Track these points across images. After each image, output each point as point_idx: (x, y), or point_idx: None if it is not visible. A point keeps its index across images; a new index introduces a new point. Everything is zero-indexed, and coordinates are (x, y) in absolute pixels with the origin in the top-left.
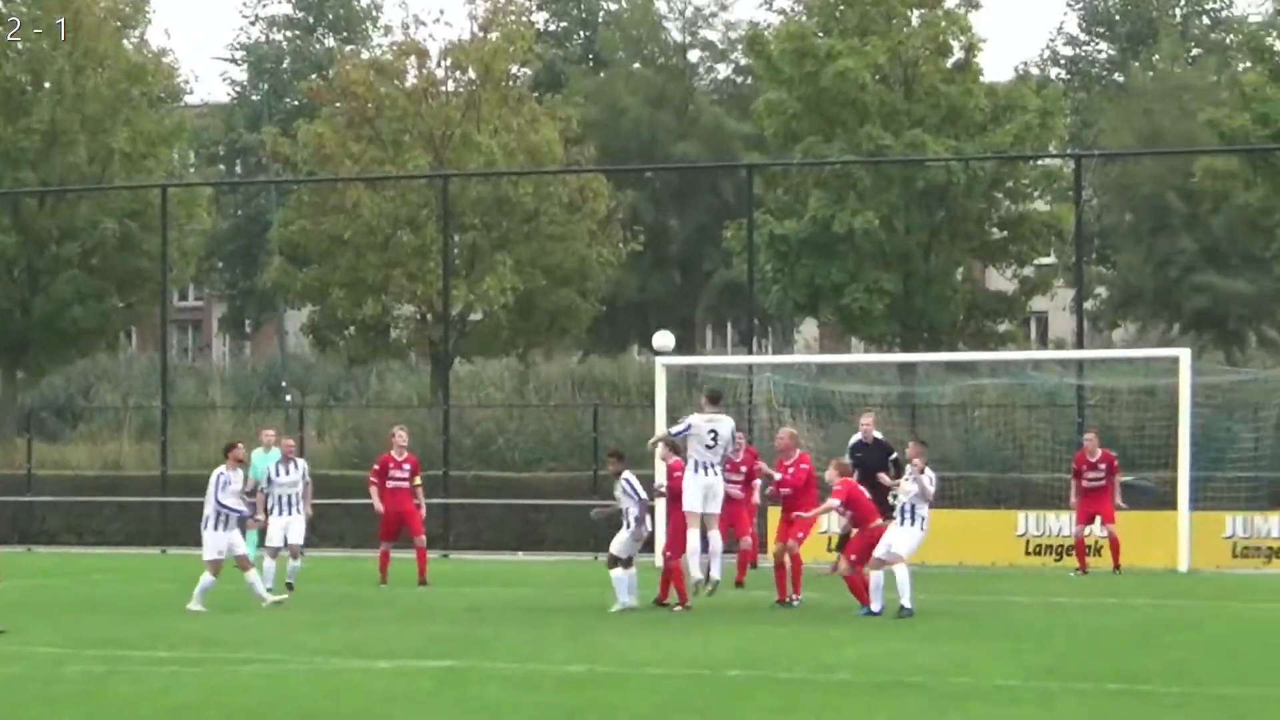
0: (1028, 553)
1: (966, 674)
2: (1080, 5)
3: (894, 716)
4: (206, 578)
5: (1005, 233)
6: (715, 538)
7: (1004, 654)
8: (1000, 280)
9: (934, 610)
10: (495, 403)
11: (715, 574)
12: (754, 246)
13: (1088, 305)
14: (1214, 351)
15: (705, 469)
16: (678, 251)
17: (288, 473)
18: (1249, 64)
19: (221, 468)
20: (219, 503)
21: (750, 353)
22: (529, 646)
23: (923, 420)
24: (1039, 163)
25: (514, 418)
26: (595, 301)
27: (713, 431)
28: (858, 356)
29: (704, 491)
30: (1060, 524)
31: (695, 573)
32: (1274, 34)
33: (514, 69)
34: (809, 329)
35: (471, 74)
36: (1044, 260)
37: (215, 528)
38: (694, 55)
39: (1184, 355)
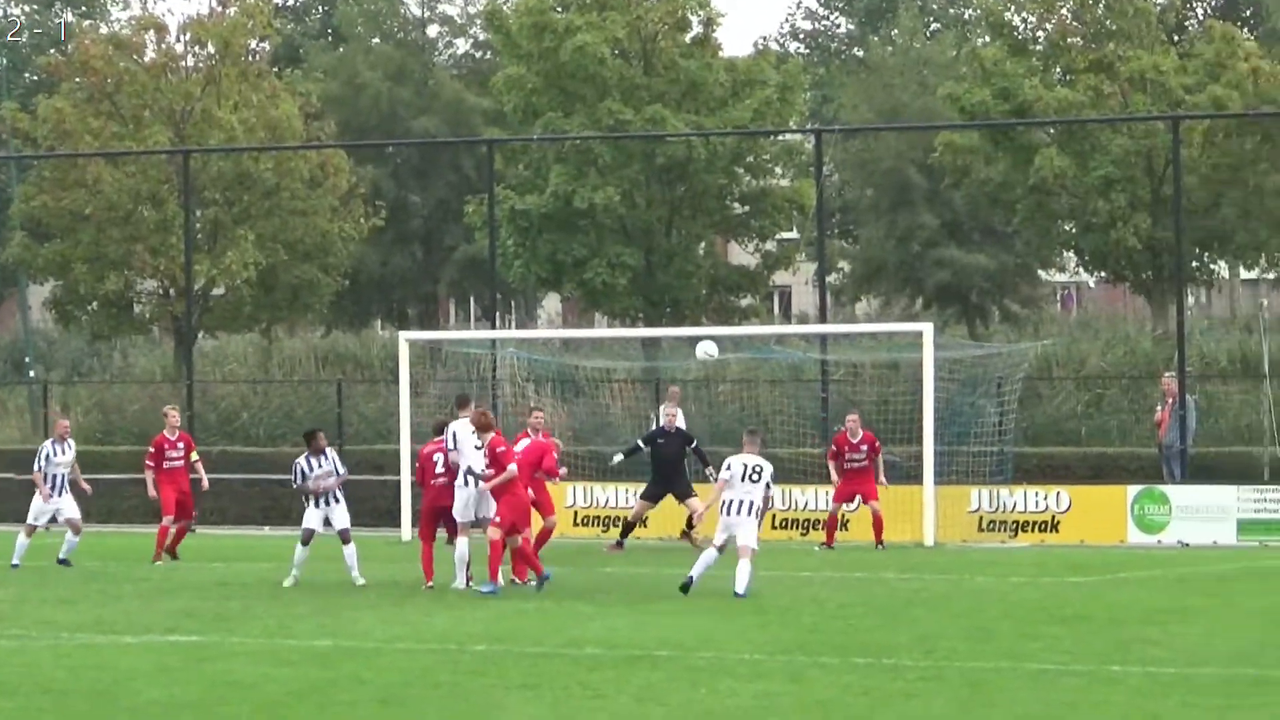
0: (774, 527)
1: (713, 648)
2: None
3: (642, 690)
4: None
5: (747, 208)
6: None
7: (751, 628)
8: (743, 255)
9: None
10: (239, 378)
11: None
12: (495, 222)
13: (830, 280)
14: (957, 326)
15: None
16: (420, 227)
17: (63, 453)
18: (988, 39)
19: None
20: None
21: (493, 328)
22: (276, 621)
23: (666, 395)
24: (779, 138)
25: (258, 393)
26: (338, 277)
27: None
28: (601, 331)
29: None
30: (806, 498)
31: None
32: (1012, 8)
33: (253, 44)
34: (552, 304)
35: (211, 49)
36: (786, 235)
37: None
38: (433, 30)
39: (927, 330)
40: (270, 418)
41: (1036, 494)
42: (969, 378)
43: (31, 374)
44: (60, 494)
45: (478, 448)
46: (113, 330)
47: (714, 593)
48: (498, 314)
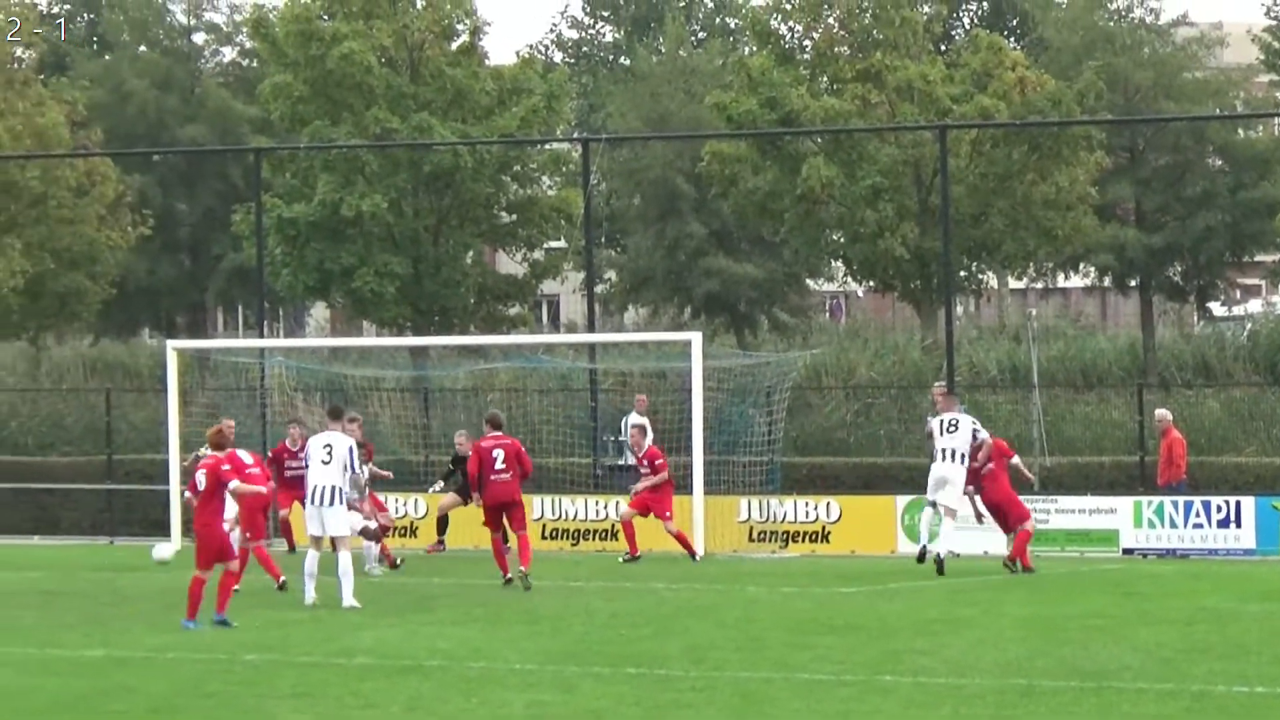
0: (544, 536)
1: (484, 658)
2: None
3: (413, 700)
4: None
5: (514, 217)
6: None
7: (522, 638)
8: (510, 264)
9: (451, 595)
10: (7, 386)
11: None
12: (263, 230)
13: (598, 289)
14: (726, 335)
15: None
16: (187, 235)
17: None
18: (754, 48)
19: None
20: None
21: (262, 336)
22: (44, 632)
23: (435, 404)
24: (547, 147)
25: (26, 401)
26: (105, 285)
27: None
28: (370, 340)
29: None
30: (576, 508)
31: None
32: (778, 17)
33: (18, 51)
34: (320, 312)
35: None
36: (554, 244)
37: None
38: (200, 38)
39: (695, 339)
40: (39, 426)
41: (807, 504)
42: (738, 387)
43: None
44: None
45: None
46: None
47: (483, 602)
48: (266, 323)
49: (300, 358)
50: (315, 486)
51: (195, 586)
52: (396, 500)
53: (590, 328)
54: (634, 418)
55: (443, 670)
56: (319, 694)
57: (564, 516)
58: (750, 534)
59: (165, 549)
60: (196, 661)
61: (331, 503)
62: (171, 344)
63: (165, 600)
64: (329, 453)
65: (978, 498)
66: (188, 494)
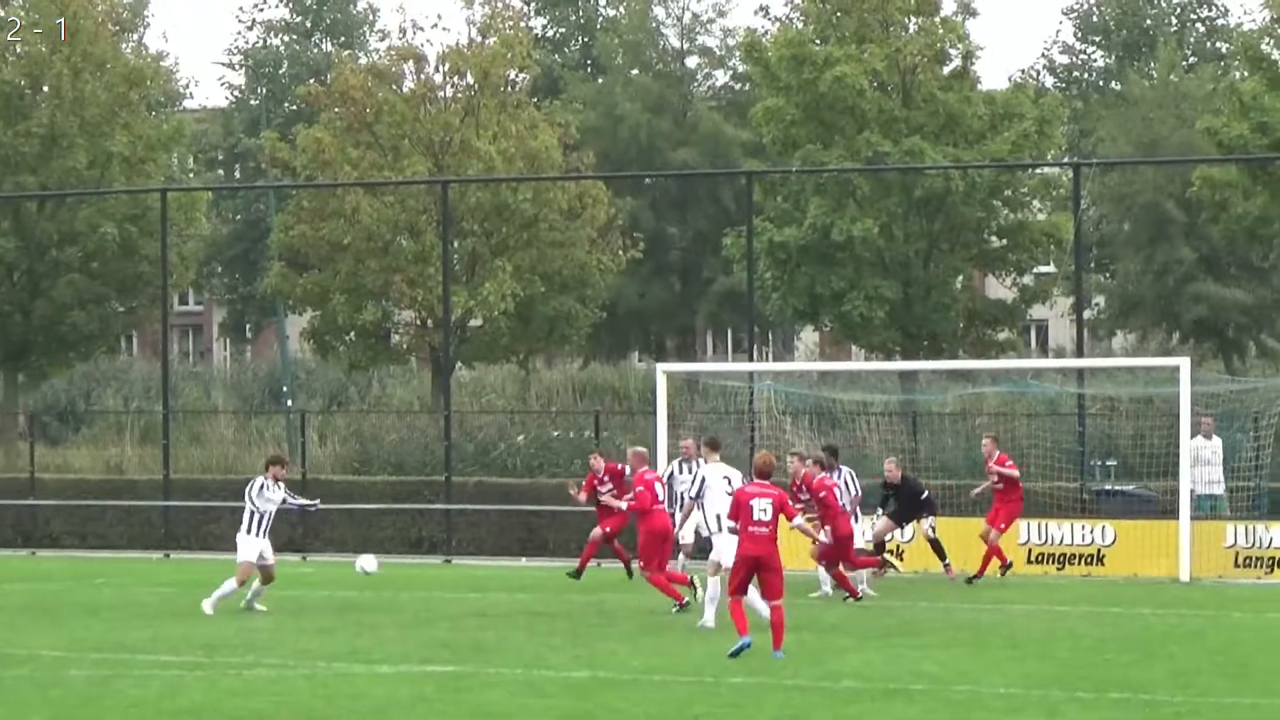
0: (1030, 561)
1: (969, 682)
2: (1076, 14)
3: None
4: (230, 583)
5: (1004, 241)
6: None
7: (1006, 662)
8: (1000, 288)
9: (937, 619)
10: (496, 409)
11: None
12: (753, 254)
13: (1087, 314)
14: (1214, 360)
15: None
16: (677, 258)
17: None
18: (1246, 72)
19: (261, 477)
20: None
21: (751, 360)
22: (532, 652)
23: (924, 427)
24: (1037, 171)
25: (515, 423)
26: (595, 308)
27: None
28: (859, 364)
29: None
30: (1063, 533)
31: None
32: (1270, 42)
33: (512, 74)
34: (809, 336)
35: (470, 79)
36: (1043, 269)
37: (250, 532)
38: (692, 62)
39: (1184, 364)
40: (527, 448)
41: None
42: (1225, 412)
43: (289, 403)
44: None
45: (729, 494)
46: (370, 360)
47: (967, 625)
48: (755, 346)
49: (789, 381)
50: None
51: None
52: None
53: (1079, 352)
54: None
55: (927, 694)
56: (804, 718)
57: (1050, 541)
58: (1236, 559)
59: (370, 562)
60: (682, 684)
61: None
62: (661, 367)
63: (650, 621)
64: (729, 484)
65: None
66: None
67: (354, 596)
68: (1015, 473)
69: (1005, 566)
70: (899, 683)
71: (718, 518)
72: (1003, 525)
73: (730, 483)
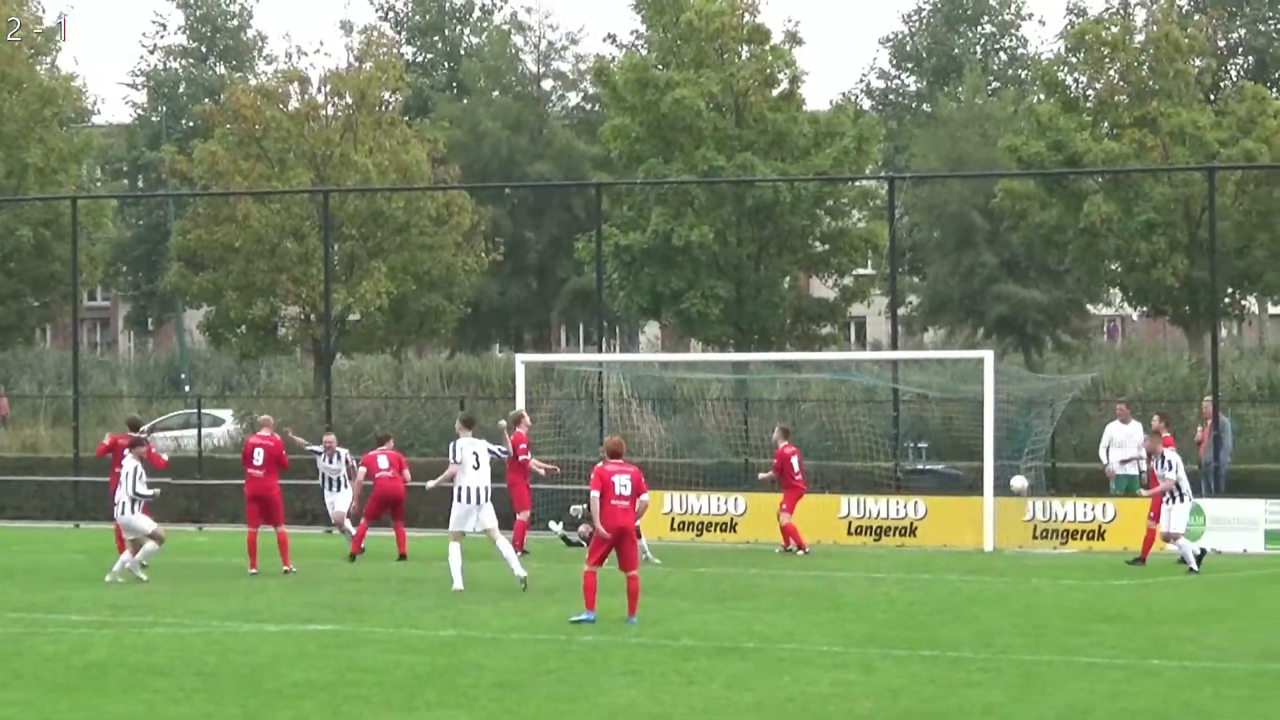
0: (849, 533)
1: (795, 641)
2: (891, 43)
3: (732, 678)
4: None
5: (827, 246)
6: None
7: (829, 623)
8: (823, 288)
9: (766, 584)
10: (373, 394)
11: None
12: (602, 256)
13: (901, 311)
14: (1014, 354)
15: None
16: (534, 260)
17: (332, 461)
18: (1043, 96)
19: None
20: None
21: (600, 351)
22: (403, 613)
23: (754, 413)
24: (856, 184)
25: (390, 408)
26: (461, 305)
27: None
28: (697, 355)
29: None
30: (879, 507)
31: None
32: (1064, 69)
33: (386, 95)
34: (652, 330)
35: (348, 99)
36: (862, 271)
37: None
38: (547, 84)
39: (988, 357)
40: (401, 430)
41: (1085, 505)
42: (1026, 401)
43: (187, 389)
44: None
45: (475, 467)
46: (259, 351)
47: (794, 591)
48: (604, 339)
49: (636, 370)
50: (471, 488)
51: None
52: (719, 499)
53: (893, 346)
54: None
55: (758, 652)
56: (647, 672)
57: (868, 515)
58: (1034, 531)
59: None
60: (539, 642)
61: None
62: (520, 357)
63: (511, 586)
64: (477, 458)
65: None
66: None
67: (242, 564)
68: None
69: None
70: (733, 641)
71: (470, 489)
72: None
73: (478, 457)
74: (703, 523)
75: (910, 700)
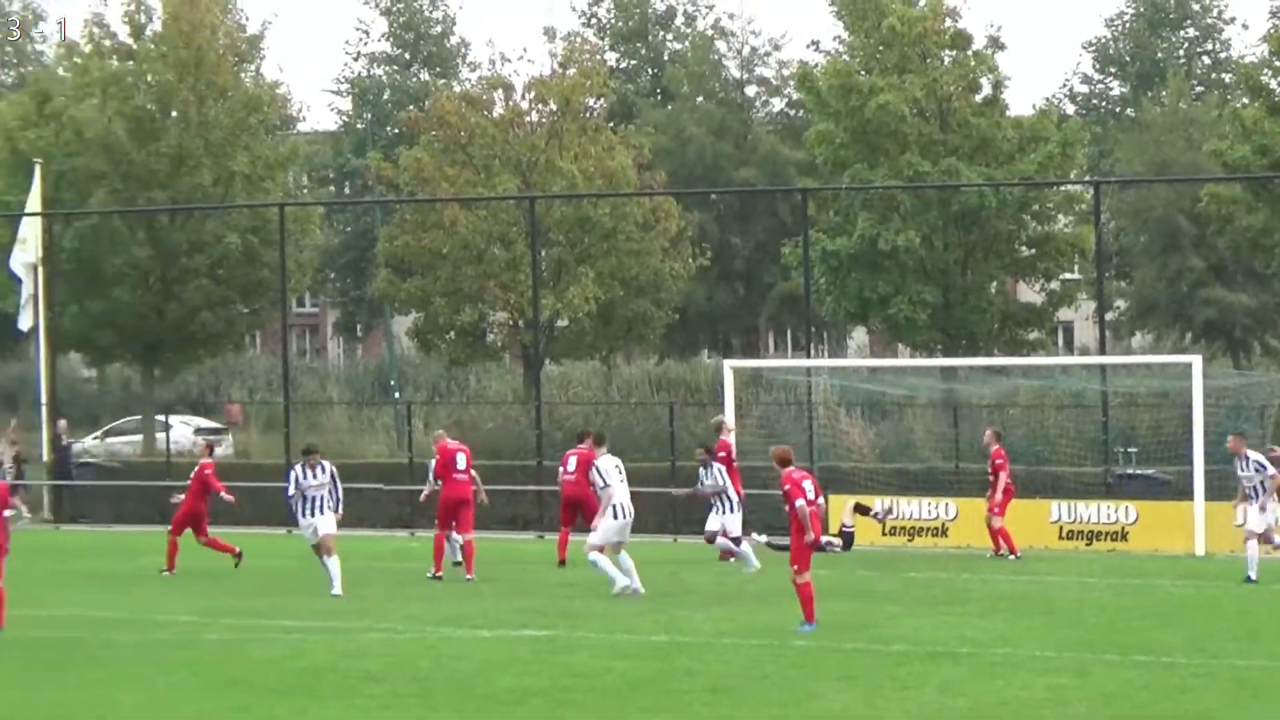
0: (1061, 538)
1: (1008, 645)
2: (1094, 48)
3: (945, 684)
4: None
5: (1033, 251)
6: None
7: (1041, 628)
8: (1030, 293)
9: (977, 589)
10: (582, 400)
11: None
12: (809, 262)
13: (1108, 316)
14: (1223, 358)
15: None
16: (741, 266)
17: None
18: (1247, 100)
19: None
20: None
21: (808, 357)
22: (615, 618)
23: (963, 418)
24: (1061, 188)
25: (599, 413)
26: (669, 310)
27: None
28: (904, 361)
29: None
30: (1090, 512)
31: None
32: (1269, 73)
33: (591, 101)
34: (860, 336)
35: (553, 106)
36: (1069, 275)
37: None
38: (751, 90)
39: (1196, 361)
40: (610, 435)
41: None
42: (1233, 405)
43: (396, 395)
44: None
45: (621, 482)
46: (468, 357)
47: (1006, 595)
48: (811, 344)
49: (842, 376)
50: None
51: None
52: (929, 504)
53: (1101, 351)
54: None
55: (971, 657)
56: (860, 677)
57: (1078, 519)
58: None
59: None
60: (751, 647)
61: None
62: (728, 363)
63: (722, 590)
64: (620, 471)
65: None
66: None
67: (457, 570)
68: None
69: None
70: (945, 646)
71: (623, 505)
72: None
73: (620, 470)
74: (913, 528)
75: (1124, 705)
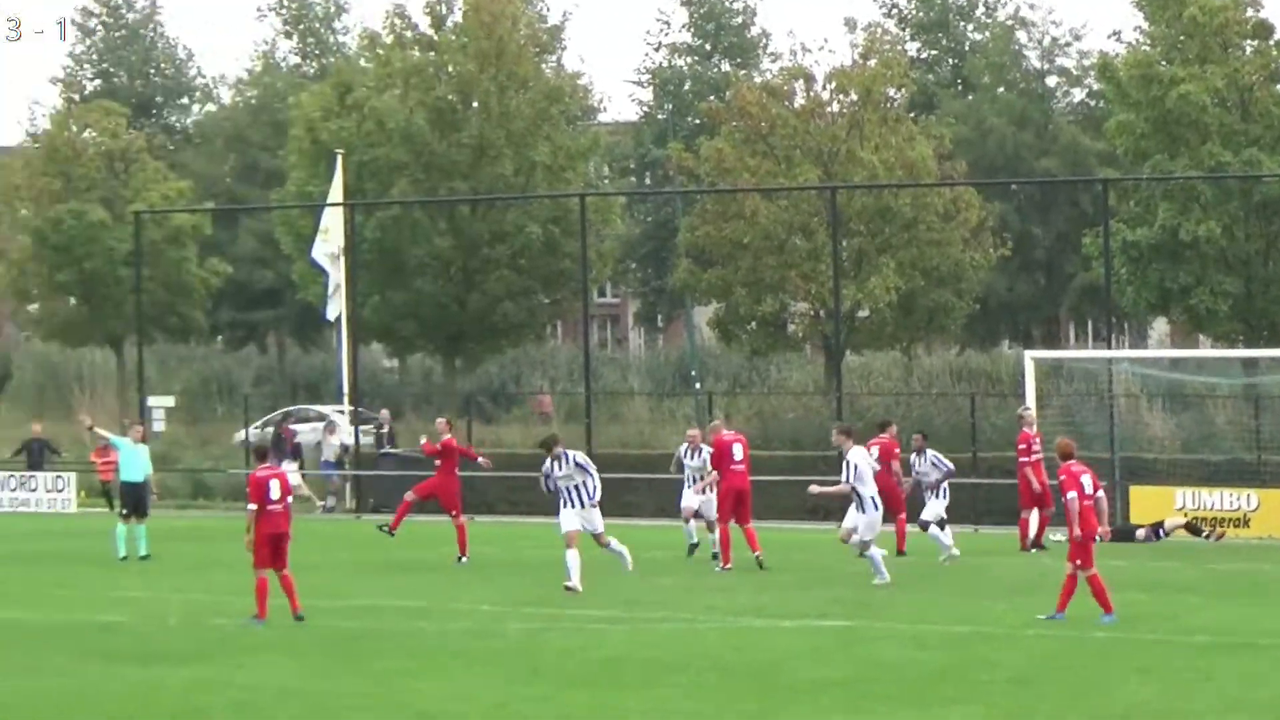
0: None
1: None
2: None
3: (1246, 675)
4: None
5: None
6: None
7: None
8: None
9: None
10: (883, 390)
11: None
12: (1109, 252)
13: None
14: None
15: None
16: (1042, 256)
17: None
18: None
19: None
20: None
21: (1109, 347)
22: (917, 609)
23: (1266, 409)
24: None
25: (899, 404)
26: (969, 301)
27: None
28: (1205, 351)
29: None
30: None
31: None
32: None
33: (891, 92)
34: (1161, 326)
35: (854, 96)
36: None
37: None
38: (1052, 80)
39: None
40: (911, 426)
41: None
42: None
43: (697, 385)
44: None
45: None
46: (769, 347)
47: None
48: (1112, 335)
49: (1143, 367)
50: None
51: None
52: (1231, 494)
53: None
54: None
55: (1274, 648)
56: (1160, 668)
57: None
58: None
59: None
60: (1052, 638)
61: None
62: (1029, 354)
63: (1025, 581)
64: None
65: None
66: None
67: (750, 559)
68: None
69: None
70: (1247, 637)
71: (872, 499)
72: None
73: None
74: (1215, 518)
75: None
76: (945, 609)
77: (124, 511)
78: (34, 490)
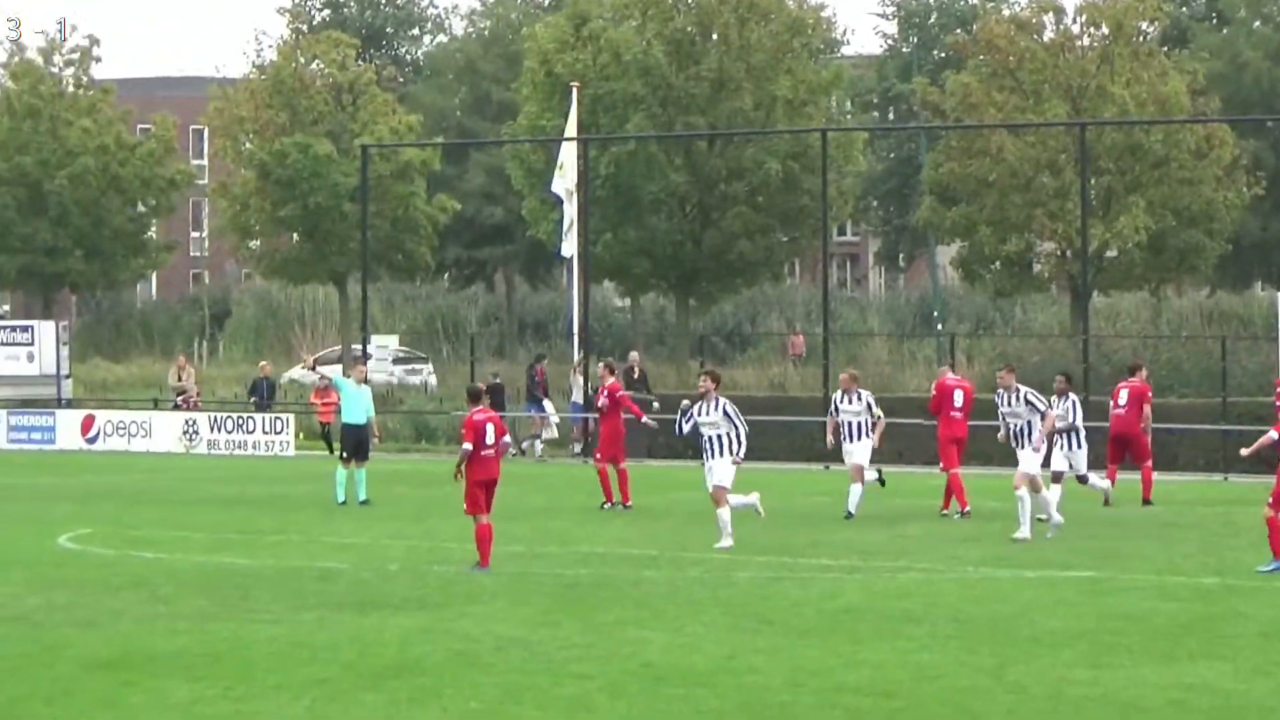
0: None
1: None
2: None
3: None
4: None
5: None
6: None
7: None
8: None
9: None
10: (1131, 333)
11: None
12: None
13: None
14: None
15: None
16: None
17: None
18: None
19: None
20: None
21: None
22: (1164, 559)
23: None
24: None
25: (1148, 347)
26: (1221, 241)
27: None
28: None
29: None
30: None
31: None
32: None
33: (1144, 25)
34: None
35: (1105, 30)
36: None
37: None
38: None
39: None
40: (1159, 370)
41: None
42: None
43: (939, 326)
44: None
45: None
46: (1013, 288)
47: None
48: None
49: None
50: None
51: None
52: None
53: None
54: None
55: None
56: None
57: None
58: None
59: None
60: None
61: None
62: None
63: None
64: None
65: None
66: None
67: (996, 507)
68: None
69: None
70: None
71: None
72: None
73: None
74: None
75: None
76: (1193, 560)
77: (344, 455)
78: (251, 432)
